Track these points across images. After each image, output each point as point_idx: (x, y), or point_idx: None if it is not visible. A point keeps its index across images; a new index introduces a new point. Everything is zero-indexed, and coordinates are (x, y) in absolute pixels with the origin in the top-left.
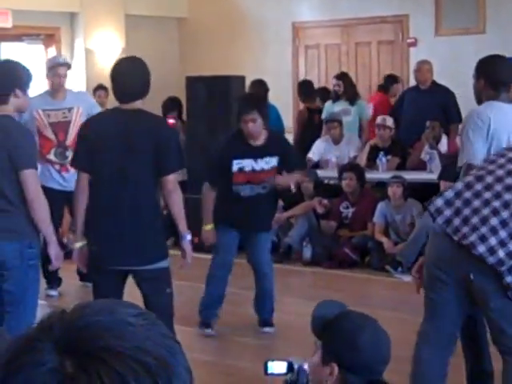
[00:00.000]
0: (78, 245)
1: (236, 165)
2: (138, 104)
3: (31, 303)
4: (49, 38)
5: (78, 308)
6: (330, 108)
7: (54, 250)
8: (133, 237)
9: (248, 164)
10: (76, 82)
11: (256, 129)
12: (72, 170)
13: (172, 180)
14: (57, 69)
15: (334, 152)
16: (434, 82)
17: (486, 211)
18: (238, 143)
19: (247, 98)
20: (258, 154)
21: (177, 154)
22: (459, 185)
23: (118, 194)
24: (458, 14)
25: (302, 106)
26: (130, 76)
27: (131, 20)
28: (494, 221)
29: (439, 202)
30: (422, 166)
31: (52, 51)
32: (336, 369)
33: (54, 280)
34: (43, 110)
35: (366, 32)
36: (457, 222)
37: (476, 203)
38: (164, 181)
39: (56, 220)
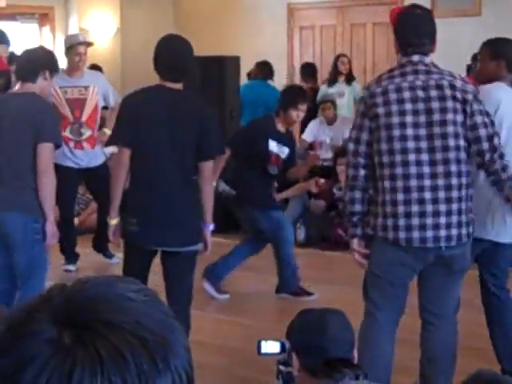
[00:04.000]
0: (113, 221)
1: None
2: (179, 85)
3: (39, 277)
4: (43, 17)
5: (79, 282)
6: (325, 90)
7: (50, 227)
8: (173, 217)
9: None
10: None
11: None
12: (86, 148)
13: (210, 167)
14: (77, 47)
15: (328, 133)
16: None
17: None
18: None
19: (303, 89)
20: (282, 140)
21: (217, 140)
22: None
23: (165, 170)
24: None
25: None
26: (179, 54)
27: None
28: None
29: None
30: None
31: (46, 31)
32: (295, 357)
33: (70, 256)
34: (60, 87)
35: (361, 13)
36: None
37: None
38: (201, 166)
39: (70, 198)
